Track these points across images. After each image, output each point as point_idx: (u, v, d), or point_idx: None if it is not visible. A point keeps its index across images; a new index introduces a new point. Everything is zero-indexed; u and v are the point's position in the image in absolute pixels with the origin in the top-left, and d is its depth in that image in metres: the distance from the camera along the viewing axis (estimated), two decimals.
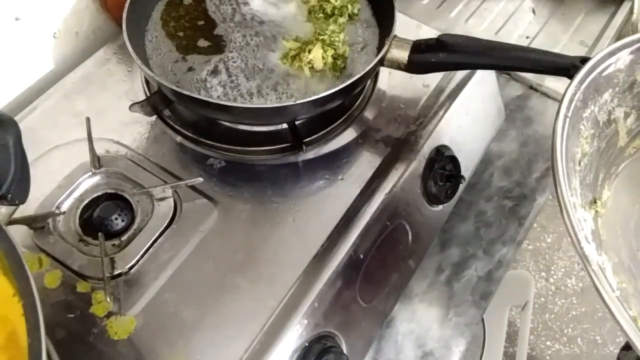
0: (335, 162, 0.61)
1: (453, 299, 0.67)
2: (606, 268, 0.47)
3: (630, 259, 0.51)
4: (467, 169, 0.70)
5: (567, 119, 0.46)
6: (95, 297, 0.51)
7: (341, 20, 0.65)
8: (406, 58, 0.59)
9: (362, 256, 0.56)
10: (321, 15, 0.65)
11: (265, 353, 0.48)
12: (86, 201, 0.56)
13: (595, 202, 0.52)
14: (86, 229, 0.55)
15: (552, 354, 1.54)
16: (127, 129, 0.62)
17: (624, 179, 0.57)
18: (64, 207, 0.56)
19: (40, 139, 0.61)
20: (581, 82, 0.48)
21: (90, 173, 0.58)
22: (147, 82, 0.66)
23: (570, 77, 0.54)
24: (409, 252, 0.62)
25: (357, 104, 0.65)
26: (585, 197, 0.49)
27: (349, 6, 0.66)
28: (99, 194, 0.57)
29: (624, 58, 0.51)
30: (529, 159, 0.79)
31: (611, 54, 0.50)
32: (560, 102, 0.47)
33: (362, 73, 0.56)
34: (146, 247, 0.54)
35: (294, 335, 0.50)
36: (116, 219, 0.55)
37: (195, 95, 0.55)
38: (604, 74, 0.50)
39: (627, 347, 0.66)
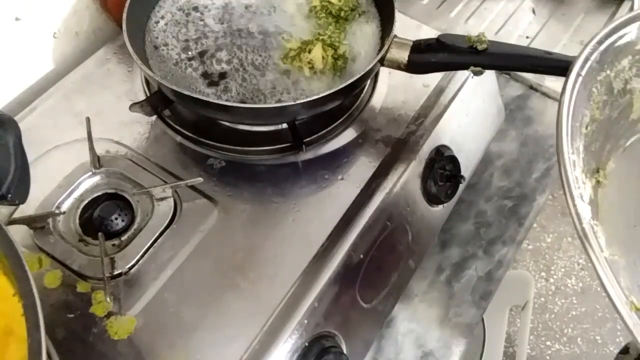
0: (335, 162, 0.61)
1: (453, 299, 0.67)
2: (600, 237, 0.46)
3: (626, 232, 0.50)
4: (467, 169, 0.70)
5: (580, 77, 0.44)
6: (95, 297, 0.51)
7: (346, 24, 0.65)
8: (406, 58, 0.59)
9: (362, 256, 0.56)
10: (323, 14, 0.65)
11: (265, 353, 0.48)
12: (86, 201, 0.56)
13: (598, 171, 0.51)
14: (86, 229, 0.55)
15: (552, 354, 1.54)
16: (127, 129, 0.62)
17: (631, 153, 0.55)
18: (64, 207, 0.56)
19: (40, 139, 0.61)
20: (600, 42, 0.46)
21: (90, 173, 0.58)
22: (147, 82, 0.66)
23: None
24: (409, 252, 0.62)
25: (357, 104, 0.65)
26: (589, 164, 0.48)
27: (356, 10, 0.65)
28: (99, 194, 0.57)
29: None
30: (529, 159, 0.79)
31: (634, 19, 0.49)
32: (576, 58, 0.45)
33: (362, 73, 0.56)
34: (146, 247, 0.54)
35: (294, 335, 0.50)
36: (116, 219, 0.55)
37: (195, 95, 0.55)
38: (624, 39, 0.48)
39: (626, 350, 0.66)
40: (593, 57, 0.46)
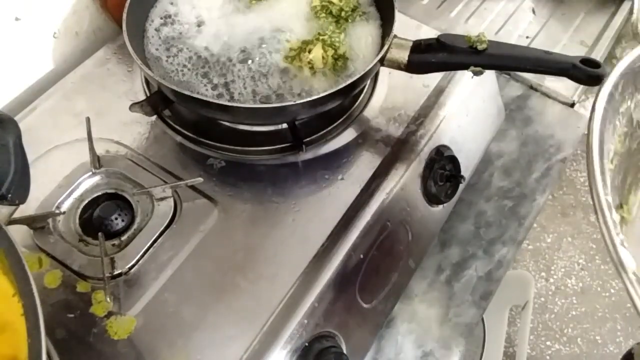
0: (335, 162, 0.61)
1: (453, 299, 0.67)
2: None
3: None
4: (467, 169, 0.70)
5: (606, 111, 0.43)
6: (95, 297, 0.51)
7: (347, 24, 0.65)
8: (406, 58, 0.59)
9: (362, 256, 0.56)
10: (323, 14, 0.65)
11: (265, 353, 0.48)
12: (86, 201, 0.56)
13: (621, 206, 0.49)
14: (86, 229, 0.55)
15: (552, 354, 1.54)
16: (127, 129, 0.62)
17: None
18: (64, 207, 0.56)
19: (40, 139, 0.61)
20: (617, 70, 0.45)
21: (90, 173, 0.58)
22: (147, 82, 0.66)
23: (570, 77, 0.54)
24: (409, 252, 0.62)
25: (357, 104, 0.65)
26: (614, 200, 0.45)
27: (357, 11, 0.65)
28: (99, 194, 0.57)
29: None
30: (529, 159, 0.79)
31: None
32: (599, 91, 0.43)
33: (362, 73, 0.56)
34: (146, 247, 0.54)
35: (294, 335, 0.50)
36: (116, 219, 0.55)
37: (195, 95, 0.55)
38: None
39: (630, 356, 0.65)
40: (618, 89, 0.44)
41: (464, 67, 0.58)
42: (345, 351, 0.54)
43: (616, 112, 0.46)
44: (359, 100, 0.66)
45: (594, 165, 0.40)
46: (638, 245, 0.48)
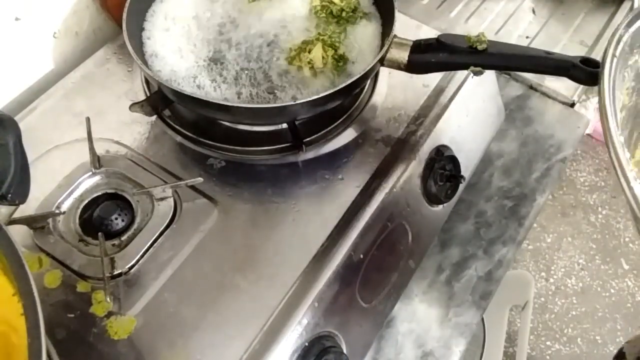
0: (335, 162, 0.61)
1: (453, 299, 0.67)
2: None
3: None
4: (467, 169, 0.70)
5: (615, 59, 0.43)
6: (95, 297, 0.51)
7: (347, 24, 0.65)
8: (406, 58, 0.59)
9: (362, 256, 0.56)
10: (323, 15, 0.65)
11: (265, 353, 0.48)
12: (86, 201, 0.56)
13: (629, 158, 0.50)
14: (86, 229, 0.55)
15: (552, 354, 1.54)
16: (127, 129, 0.62)
17: None
18: (64, 207, 0.56)
19: (40, 139, 0.61)
20: (628, 24, 0.45)
21: (90, 173, 0.58)
22: (147, 82, 0.66)
23: (570, 77, 0.54)
24: (409, 252, 0.62)
25: (357, 103, 0.65)
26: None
27: (357, 11, 0.65)
28: (99, 194, 0.57)
29: None
30: (529, 159, 0.79)
31: None
32: (610, 40, 0.44)
33: (362, 73, 0.56)
34: (146, 247, 0.54)
35: (294, 335, 0.50)
36: (116, 219, 0.55)
37: (196, 95, 0.55)
38: None
39: (621, 355, 0.65)
40: (625, 40, 0.45)
41: (464, 67, 0.58)
42: (345, 351, 0.54)
43: (625, 63, 0.46)
44: (359, 100, 0.66)
45: (606, 108, 0.40)
46: None
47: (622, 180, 0.38)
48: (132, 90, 0.66)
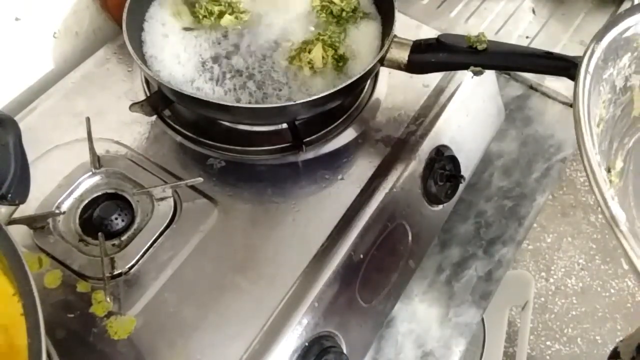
0: (335, 162, 0.61)
1: (453, 299, 0.67)
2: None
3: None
4: (467, 169, 0.70)
5: (588, 75, 0.43)
6: (95, 297, 0.51)
7: (347, 24, 0.65)
8: (406, 58, 0.59)
9: (362, 256, 0.56)
10: (323, 14, 0.65)
11: (265, 353, 0.48)
12: (86, 201, 0.56)
13: (609, 171, 0.50)
14: (86, 229, 0.55)
15: (552, 354, 1.54)
16: (127, 129, 0.62)
17: (636, 151, 0.54)
18: (64, 207, 0.56)
19: (40, 139, 0.61)
20: (599, 38, 0.46)
21: (90, 173, 0.58)
22: (147, 82, 0.66)
23: (570, 77, 0.54)
24: (409, 252, 0.62)
25: (357, 103, 0.65)
26: (601, 163, 0.46)
27: (357, 12, 0.65)
28: (99, 194, 0.57)
29: None
30: (529, 159, 0.79)
31: (630, 12, 0.48)
32: (582, 57, 0.44)
33: (362, 73, 0.56)
34: (146, 247, 0.54)
35: (294, 335, 0.50)
36: (116, 219, 0.55)
37: (196, 95, 0.55)
38: (624, 35, 0.48)
39: (616, 354, 0.65)
40: (597, 55, 0.45)
41: (464, 67, 0.58)
42: (345, 351, 0.54)
43: (600, 78, 0.47)
44: (359, 100, 0.66)
45: (581, 126, 0.41)
46: (626, 209, 0.49)
47: (600, 198, 0.38)
48: (132, 90, 0.66)
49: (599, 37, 0.46)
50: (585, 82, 0.44)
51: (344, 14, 0.65)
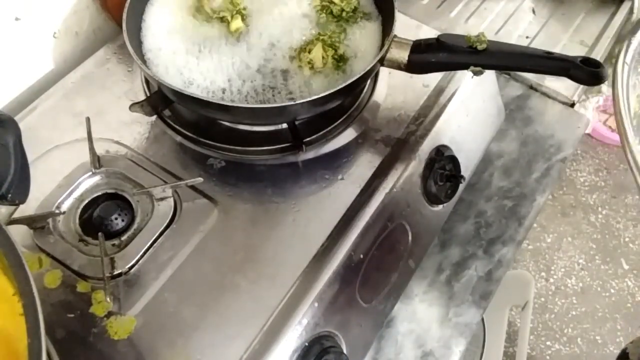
0: (335, 162, 0.61)
1: (453, 299, 0.67)
2: None
3: None
4: (467, 169, 0.70)
5: (626, 66, 0.44)
6: (95, 297, 0.51)
7: (347, 24, 0.65)
8: (406, 58, 0.59)
9: (362, 256, 0.56)
10: (323, 14, 0.65)
11: (265, 353, 0.48)
12: (86, 201, 0.56)
13: None
14: (86, 229, 0.55)
15: (552, 354, 1.54)
16: (127, 129, 0.62)
17: None
18: (64, 207, 0.56)
19: (40, 139, 0.61)
20: (634, 31, 0.45)
21: (90, 173, 0.58)
22: (147, 82, 0.66)
23: (570, 77, 0.54)
24: (409, 252, 0.62)
25: (357, 103, 0.65)
26: None
27: (357, 12, 0.65)
28: (99, 194, 0.57)
29: None
30: (529, 159, 0.79)
31: None
32: (620, 49, 0.44)
33: (362, 73, 0.56)
34: (146, 247, 0.54)
35: (294, 335, 0.50)
36: (116, 219, 0.55)
37: (196, 95, 0.55)
38: None
39: (625, 356, 0.65)
40: (634, 47, 0.45)
41: (464, 67, 0.58)
42: (345, 351, 0.54)
43: (636, 70, 0.46)
44: (359, 100, 0.66)
45: (622, 115, 0.41)
46: None
47: None
48: (132, 90, 0.66)
49: (634, 30, 0.46)
50: (623, 74, 0.43)
51: (344, 14, 0.65)
